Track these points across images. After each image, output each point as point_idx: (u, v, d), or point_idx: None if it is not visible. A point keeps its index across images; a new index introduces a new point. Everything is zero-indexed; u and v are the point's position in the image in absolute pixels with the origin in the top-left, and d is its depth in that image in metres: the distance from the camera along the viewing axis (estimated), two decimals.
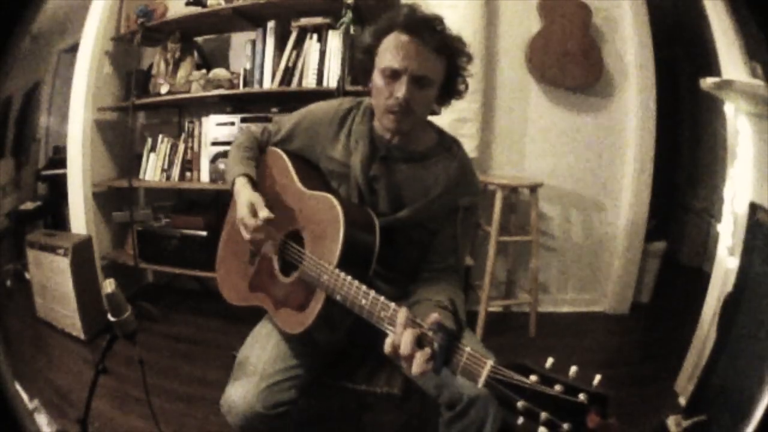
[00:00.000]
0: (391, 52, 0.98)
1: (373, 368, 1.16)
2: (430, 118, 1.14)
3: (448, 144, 1.11)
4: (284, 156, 1.17)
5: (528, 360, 0.66)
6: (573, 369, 0.63)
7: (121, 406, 1.68)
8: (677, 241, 2.87)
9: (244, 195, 1.07)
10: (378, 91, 1.01)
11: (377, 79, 1.01)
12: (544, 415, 0.62)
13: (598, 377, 0.62)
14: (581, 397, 0.61)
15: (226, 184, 1.18)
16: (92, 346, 2.13)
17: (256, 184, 1.13)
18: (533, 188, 2.21)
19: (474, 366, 0.70)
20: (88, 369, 1.91)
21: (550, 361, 0.65)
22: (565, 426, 0.61)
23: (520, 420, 0.64)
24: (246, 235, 1.05)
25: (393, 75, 0.97)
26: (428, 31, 0.96)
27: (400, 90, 0.96)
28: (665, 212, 2.69)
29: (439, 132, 1.14)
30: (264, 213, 1.01)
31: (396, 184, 1.08)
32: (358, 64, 1.08)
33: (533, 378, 0.64)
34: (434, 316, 0.77)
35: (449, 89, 1.05)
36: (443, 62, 0.99)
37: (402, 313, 0.78)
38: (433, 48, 0.96)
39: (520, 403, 0.64)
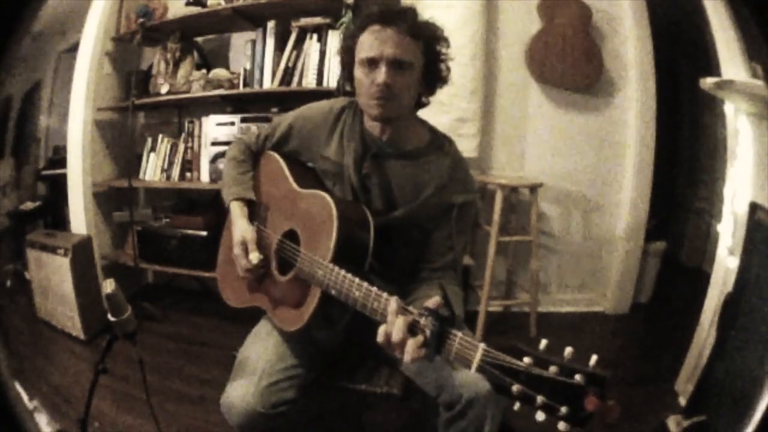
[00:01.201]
0: (366, 44, 1.00)
1: (373, 368, 1.16)
2: (421, 112, 1.14)
3: (440, 142, 1.11)
4: (279, 159, 1.18)
5: (521, 342, 0.64)
6: (568, 350, 0.61)
7: (121, 406, 1.68)
8: (677, 241, 2.86)
9: (238, 228, 1.11)
10: (360, 84, 1.02)
11: (358, 72, 1.02)
12: (540, 398, 0.60)
13: (594, 357, 0.60)
14: (578, 378, 0.58)
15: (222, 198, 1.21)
16: (92, 346, 2.13)
17: (252, 205, 1.16)
18: (533, 188, 2.21)
19: (466, 351, 0.69)
20: (88, 369, 1.91)
21: (543, 342, 0.63)
22: (563, 410, 0.59)
23: (517, 405, 0.63)
24: (240, 273, 1.10)
25: (371, 63, 0.99)
26: (400, 18, 0.99)
27: (380, 75, 0.97)
28: (665, 212, 2.69)
29: (432, 130, 1.14)
30: (254, 257, 1.05)
31: (388, 181, 1.08)
32: (344, 67, 1.11)
33: (527, 360, 0.62)
34: (430, 300, 0.77)
35: (432, 74, 1.06)
36: (419, 46, 1.01)
37: (393, 302, 0.79)
38: (406, 33, 0.98)
39: (515, 387, 0.62)
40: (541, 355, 0.62)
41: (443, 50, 1.05)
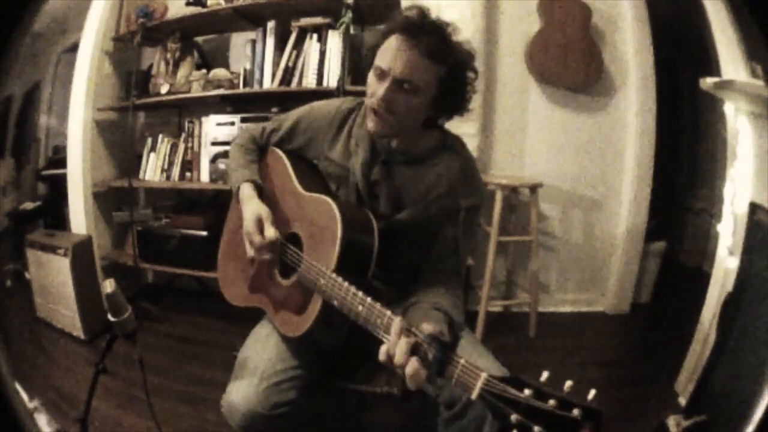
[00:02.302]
0: (384, 52, 0.96)
1: (373, 368, 1.15)
2: None
3: (451, 143, 1.09)
4: (284, 156, 1.17)
5: (523, 374, 0.66)
6: (568, 383, 0.63)
7: (121, 406, 1.68)
8: (677, 241, 2.86)
9: (252, 207, 1.05)
10: (367, 88, 1.00)
11: (369, 77, 0.99)
12: (537, 429, 0.62)
13: (593, 392, 0.62)
14: (575, 412, 0.61)
15: (229, 185, 1.18)
16: (92, 346, 2.13)
17: (263, 191, 1.12)
18: (533, 188, 2.21)
19: (468, 378, 0.70)
20: (88, 369, 1.90)
21: (545, 374, 0.65)
22: None
23: None
24: (250, 252, 1.04)
25: (381, 75, 0.96)
26: (426, 36, 0.93)
27: (381, 90, 0.94)
28: (665, 212, 2.69)
29: (443, 131, 1.12)
30: (271, 233, 1.00)
31: (397, 187, 1.07)
32: (365, 62, 1.07)
33: (527, 392, 0.64)
34: (434, 328, 0.77)
35: (446, 102, 1.00)
36: (437, 71, 0.94)
37: (397, 323, 0.78)
38: (426, 53, 0.92)
39: (513, 416, 0.64)
40: (542, 387, 0.64)
41: (467, 79, 0.99)
